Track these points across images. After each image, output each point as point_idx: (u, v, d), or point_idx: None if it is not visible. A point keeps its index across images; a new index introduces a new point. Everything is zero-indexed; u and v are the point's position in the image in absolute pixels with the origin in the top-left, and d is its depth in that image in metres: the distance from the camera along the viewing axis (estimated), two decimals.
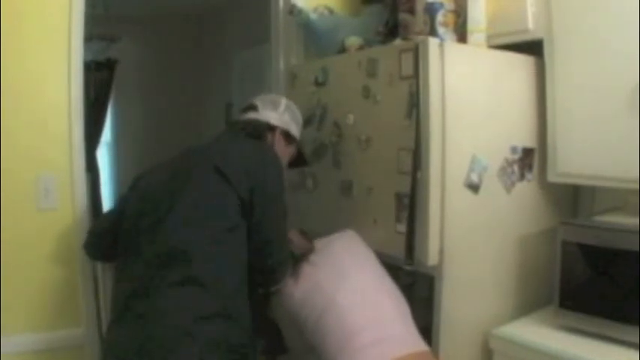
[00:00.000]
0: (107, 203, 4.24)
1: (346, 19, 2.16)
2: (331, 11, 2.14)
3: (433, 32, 1.70)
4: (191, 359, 1.29)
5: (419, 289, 1.71)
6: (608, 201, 1.90)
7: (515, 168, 1.79)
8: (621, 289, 1.53)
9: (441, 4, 1.72)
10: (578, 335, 1.60)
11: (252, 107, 1.71)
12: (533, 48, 1.80)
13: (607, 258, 1.56)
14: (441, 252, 1.61)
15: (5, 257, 1.68)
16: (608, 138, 1.66)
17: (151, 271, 1.37)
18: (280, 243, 1.53)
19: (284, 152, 1.70)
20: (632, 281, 1.49)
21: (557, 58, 1.76)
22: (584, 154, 1.72)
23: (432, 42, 1.58)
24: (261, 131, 1.65)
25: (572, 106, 1.74)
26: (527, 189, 1.84)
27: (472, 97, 1.66)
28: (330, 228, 1.82)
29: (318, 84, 1.98)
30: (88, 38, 1.92)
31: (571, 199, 2.03)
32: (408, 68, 1.61)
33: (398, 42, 1.79)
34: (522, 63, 1.82)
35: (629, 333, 1.49)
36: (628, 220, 1.60)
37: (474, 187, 1.68)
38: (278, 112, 1.71)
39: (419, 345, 1.55)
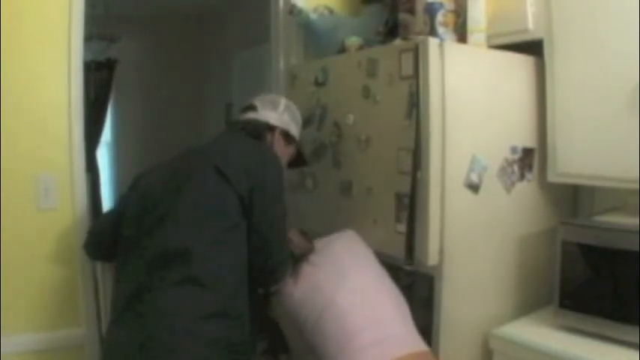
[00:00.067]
0: (107, 203, 4.24)
1: (346, 19, 2.16)
2: (331, 11, 2.14)
3: (433, 32, 1.70)
4: (191, 358, 1.29)
5: (419, 289, 1.71)
6: (607, 201, 1.90)
7: (515, 168, 1.79)
8: (621, 289, 1.53)
9: (441, 4, 1.72)
10: (578, 335, 1.60)
11: (252, 107, 1.71)
12: (533, 48, 1.80)
13: (607, 258, 1.56)
14: (441, 252, 1.61)
15: (5, 257, 1.68)
16: (608, 138, 1.66)
17: (151, 271, 1.37)
18: (280, 243, 1.53)
19: (283, 152, 1.70)
20: (632, 281, 1.49)
21: (557, 58, 1.76)
22: (584, 154, 1.72)
23: (432, 42, 1.58)
24: (260, 131, 1.65)
25: (572, 106, 1.74)
26: (527, 189, 1.84)
27: (472, 97, 1.66)
28: (330, 228, 1.82)
29: (318, 84, 1.98)
30: (88, 38, 1.92)
31: (571, 199, 2.03)
32: (407, 68, 1.61)
33: (398, 42, 1.79)
34: (522, 63, 1.82)
35: (629, 333, 1.49)
36: (628, 220, 1.60)
37: (474, 187, 1.68)
38: (277, 112, 1.71)
39: (419, 345, 1.55)
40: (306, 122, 1.95)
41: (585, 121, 1.71)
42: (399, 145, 1.65)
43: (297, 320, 1.60)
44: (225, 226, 1.42)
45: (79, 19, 1.77)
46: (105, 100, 4.34)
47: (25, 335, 1.72)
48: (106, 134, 4.60)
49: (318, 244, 1.71)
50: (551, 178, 1.82)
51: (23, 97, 1.70)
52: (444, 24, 1.73)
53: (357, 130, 1.81)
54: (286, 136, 1.72)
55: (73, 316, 1.80)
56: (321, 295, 1.56)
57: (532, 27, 1.80)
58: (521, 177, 1.82)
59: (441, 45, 1.59)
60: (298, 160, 1.82)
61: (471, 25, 1.77)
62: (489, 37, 1.83)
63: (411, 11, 1.87)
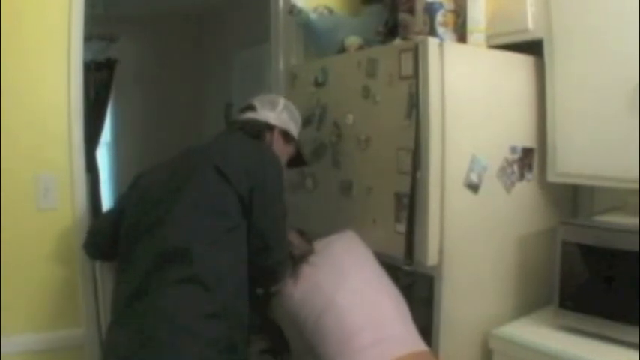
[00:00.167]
0: (107, 203, 4.24)
1: (346, 19, 2.16)
2: (331, 11, 2.14)
3: (433, 32, 1.70)
4: (192, 358, 1.30)
5: (418, 289, 1.71)
6: (607, 201, 1.90)
7: (515, 168, 1.79)
8: (621, 289, 1.53)
9: (441, 4, 1.72)
10: (578, 335, 1.60)
11: (251, 107, 1.71)
12: (533, 48, 1.80)
13: (607, 258, 1.56)
14: (441, 252, 1.61)
15: (5, 257, 1.68)
16: (608, 138, 1.66)
17: (151, 271, 1.37)
18: (280, 243, 1.53)
19: (283, 151, 1.71)
20: (631, 281, 1.49)
21: (556, 58, 1.76)
22: (583, 154, 1.72)
23: (432, 42, 1.58)
24: (259, 131, 1.66)
25: (571, 106, 1.74)
26: (526, 189, 1.84)
27: (472, 97, 1.66)
28: (330, 228, 1.82)
29: (318, 84, 1.98)
30: (88, 38, 1.92)
31: (570, 199, 2.03)
32: (407, 68, 1.61)
33: (398, 42, 1.79)
34: (522, 63, 1.82)
35: (629, 333, 1.49)
36: (628, 220, 1.59)
37: (474, 187, 1.68)
38: (276, 112, 1.71)
39: (418, 345, 1.55)
40: (306, 122, 1.95)
41: (585, 121, 1.71)
42: (398, 145, 1.65)
43: (297, 320, 1.60)
44: (225, 226, 1.42)
45: (79, 19, 1.77)
46: (105, 100, 4.34)
47: (25, 335, 1.72)
48: (106, 134, 4.60)
49: (318, 244, 1.71)
50: (551, 178, 1.82)
51: (23, 97, 1.70)
52: (444, 24, 1.73)
53: (357, 130, 1.81)
54: (285, 135, 1.72)
55: (73, 316, 1.80)
56: (321, 296, 1.56)
57: (532, 27, 1.80)
58: (521, 177, 1.82)
59: (440, 45, 1.59)
60: (298, 160, 1.82)
61: (470, 25, 1.77)
62: (489, 37, 1.83)
63: (411, 11, 1.87)
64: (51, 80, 1.75)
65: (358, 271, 1.64)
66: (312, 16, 2.08)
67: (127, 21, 4.20)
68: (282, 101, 1.75)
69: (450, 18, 1.75)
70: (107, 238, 1.58)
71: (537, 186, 1.87)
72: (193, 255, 1.36)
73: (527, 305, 1.84)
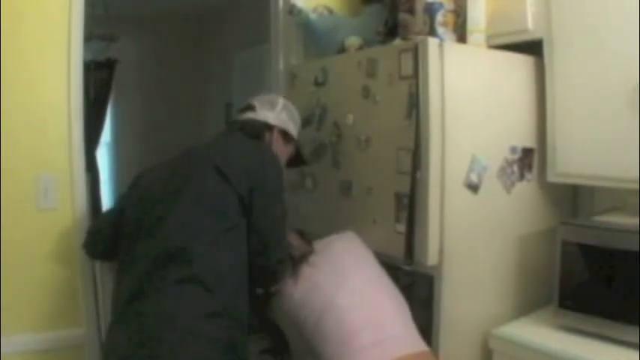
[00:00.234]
0: (107, 203, 4.24)
1: (346, 19, 2.16)
2: (331, 11, 2.14)
3: (433, 32, 1.70)
4: (192, 358, 1.30)
5: (418, 289, 1.71)
6: (607, 201, 1.90)
7: (515, 168, 1.79)
8: (621, 289, 1.53)
9: (441, 4, 1.72)
10: (578, 335, 1.60)
11: (250, 107, 1.71)
12: (532, 48, 1.80)
13: (607, 258, 1.56)
14: (441, 252, 1.61)
15: (5, 257, 1.68)
16: (608, 138, 1.66)
17: (151, 271, 1.37)
18: (280, 243, 1.53)
19: (282, 151, 1.71)
20: (632, 281, 1.49)
21: (556, 58, 1.76)
22: (583, 154, 1.72)
23: (432, 42, 1.58)
24: (259, 131, 1.66)
25: (571, 106, 1.74)
26: (526, 189, 1.84)
27: (472, 97, 1.66)
28: (330, 228, 1.82)
29: (318, 84, 1.98)
30: (88, 38, 1.92)
31: (570, 199, 2.03)
32: (407, 68, 1.61)
33: (397, 42, 1.79)
34: (522, 63, 1.82)
35: (629, 333, 1.49)
36: (628, 220, 1.59)
37: (474, 187, 1.68)
38: (275, 112, 1.71)
39: (419, 345, 1.55)
40: (306, 122, 1.95)
41: (585, 121, 1.71)
42: (398, 145, 1.65)
43: (297, 321, 1.60)
44: (225, 226, 1.42)
45: (79, 19, 1.77)
46: (105, 100, 4.34)
47: (25, 335, 1.72)
48: (106, 134, 4.60)
49: (318, 245, 1.71)
50: (551, 178, 1.82)
51: (23, 97, 1.71)
52: (444, 24, 1.73)
53: (357, 130, 1.81)
54: (285, 135, 1.72)
55: (73, 316, 1.80)
56: (321, 296, 1.56)
57: (532, 27, 1.80)
58: (521, 177, 1.82)
59: (440, 45, 1.59)
60: (297, 160, 1.82)
61: (470, 25, 1.77)
62: (489, 37, 1.83)
63: (411, 11, 1.87)
64: (51, 80, 1.75)
65: (358, 271, 1.64)
66: (312, 16, 2.08)
67: (127, 21, 4.20)
68: (281, 101, 1.76)
69: (450, 18, 1.75)
70: (107, 238, 1.58)
71: (537, 186, 1.87)
72: (193, 255, 1.36)
73: (527, 305, 1.84)
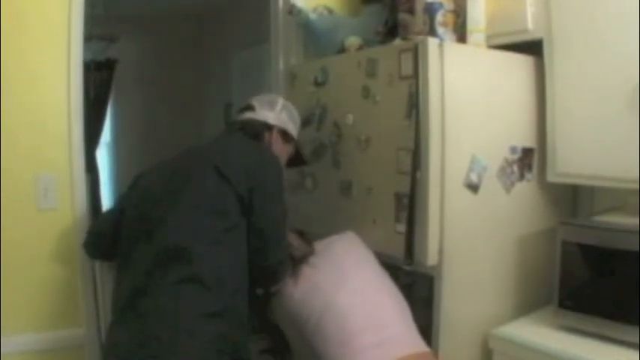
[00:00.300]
0: (107, 203, 4.24)
1: (346, 19, 2.16)
2: (331, 11, 2.14)
3: (432, 32, 1.70)
4: (192, 358, 1.30)
5: (418, 289, 1.71)
6: (607, 201, 1.90)
7: (515, 168, 1.79)
8: (621, 289, 1.53)
9: (441, 4, 1.72)
10: (578, 335, 1.60)
11: (250, 107, 1.71)
12: (532, 48, 1.80)
13: (607, 258, 1.56)
14: (441, 252, 1.61)
15: (5, 257, 1.68)
16: (607, 138, 1.66)
17: (151, 271, 1.37)
18: (280, 243, 1.53)
19: (282, 151, 1.71)
20: (632, 281, 1.49)
21: (556, 58, 1.76)
22: (583, 154, 1.72)
23: (432, 42, 1.58)
24: (258, 131, 1.66)
25: (571, 106, 1.74)
26: (526, 189, 1.84)
27: (471, 97, 1.66)
28: (330, 228, 1.82)
29: (318, 84, 1.98)
30: (88, 38, 1.92)
31: (570, 199, 2.03)
32: (407, 68, 1.61)
33: (397, 42, 1.79)
34: (522, 63, 1.82)
35: (629, 333, 1.49)
36: (628, 220, 1.60)
37: (474, 187, 1.68)
38: (275, 112, 1.71)
39: (419, 346, 1.55)
40: (306, 122, 1.95)
41: (585, 121, 1.71)
42: (398, 145, 1.65)
43: (298, 321, 1.60)
44: (225, 226, 1.42)
45: (78, 19, 1.77)
46: (104, 100, 4.34)
47: (25, 335, 1.72)
48: (106, 134, 4.60)
49: (318, 245, 1.71)
50: (551, 178, 1.82)
51: (23, 97, 1.71)
52: (444, 24, 1.73)
53: (357, 130, 1.81)
54: (284, 135, 1.72)
55: (73, 316, 1.80)
56: (322, 296, 1.56)
57: (532, 27, 1.80)
58: (521, 177, 1.82)
59: (440, 45, 1.59)
60: (297, 160, 1.82)
61: (470, 25, 1.77)
62: (489, 37, 1.83)
63: (411, 11, 1.87)
64: (51, 80, 1.75)
65: (359, 271, 1.64)
66: (312, 16, 2.08)
67: (127, 21, 4.20)
68: (280, 101, 1.76)
69: (450, 18, 1.75)
70: (107, 238, 1.58)
71: (537, 186, 1.87)
72: (193, 255, 1.36)
73: (527, 305, 1.84)
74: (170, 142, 2.66)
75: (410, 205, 1.60)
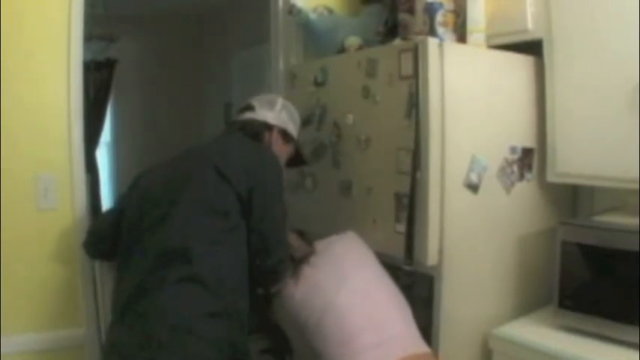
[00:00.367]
0: (107, 203, 4.24)
1: (345, 19, 2.16)
2: (331, 11, 2.14)
3: (432, 32, 1.70)
4: (192, 358, 1.30)
5: (418, 289, 1.71)
6: (607, 201, 1.90)
7: (515, 168, 1.79)
8: (621, 289, 1.53)
9: (441, 4, 1.72)
10: (578, 335, 1.60)
11: (249, 107, 1.71)
12: (532, 48, 1.80)
13: (607, 258, 1.56)
14: (441, 252, 1.61)
15: (5, 257, 1.68)
16: (607, 138, 1.66)
17: (151, 271, 1.37)
18: (280, 243, 1.53)
19: (282, 151, 1.71)
20: (632, 281, 1.49)
21: (556, 58, 1.76)
22: (583, 154, 1.72)
23: (432, 42, 1.58)
24: (258, 131, 1.66)
25: (571, 106, 1.74)
26: (526, 189, 1.84)
27: (471, 97, 1.66)
28: (330, 228, 1.82)
29: (318, 84, 1.98)
30: (88, 38, 1.92)
31: (570, 199, 2.03)
32: (407, 68, 1.61)
33: (397, 42, 1.79)
34: (522, 63, 1.82)
35: (629, 333, 1.49)
36: (628, 220, 1.60)
37: (474, 187, 1.68)
38: (275, 112, 1.71)
39: (420, 346, 1.55)
40: (306, 122, 1.95)
41: (585, 121, 1.71)
42: (398, 145, 1.65)
43: (298, 321, 1.60)
44: (225, 226, 1.42)
45: (78, 19, 1.77)
46: (104, 100, 4.34)
47: (25, 335, 1.72)
48: (106, 134, 4.60)
49: (319, 245, 1.71)
50: (551, 178, 1.82)
51: (23, 97, 1.71)
52: (444, 24, 1.73)
53: (357, 130, 1.81)
54: (284, 135, 1.72)
55: (73, 316, 1.80)
56: (322, 296, 1.56)
57: (531, 27, 1.80)
58: (521, 177, 1.82)
59: (440, 45, 1.59)
60: (297, 160, 1.82)
61: (470, 25, 1.77)
62: (489, 37, 1.83)
63: (411, 11, 1.87)
64: (51, 80, 1.75)
65: (359, 271, 1.64)
66: (312, 16, 2.08)
67: (127, 21, 4.20)
68: (280, 101, 1.76)
69: (450, 18, 1.75)
70: (107, 238, 1.58)
71: (537, 186, 1.87)
72: (193, 255, 1.36)
73: (527, 305, 1.84)
74: (170, 142, 2.66)
75: (410, 205, 1.60)
